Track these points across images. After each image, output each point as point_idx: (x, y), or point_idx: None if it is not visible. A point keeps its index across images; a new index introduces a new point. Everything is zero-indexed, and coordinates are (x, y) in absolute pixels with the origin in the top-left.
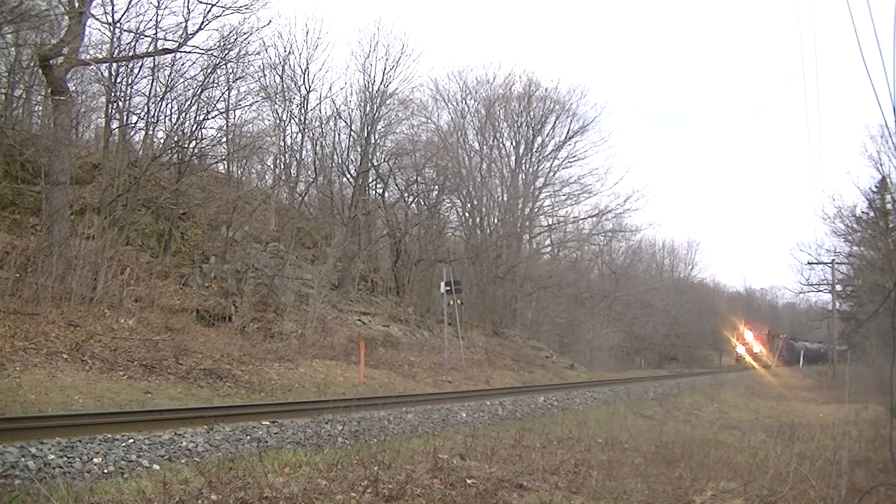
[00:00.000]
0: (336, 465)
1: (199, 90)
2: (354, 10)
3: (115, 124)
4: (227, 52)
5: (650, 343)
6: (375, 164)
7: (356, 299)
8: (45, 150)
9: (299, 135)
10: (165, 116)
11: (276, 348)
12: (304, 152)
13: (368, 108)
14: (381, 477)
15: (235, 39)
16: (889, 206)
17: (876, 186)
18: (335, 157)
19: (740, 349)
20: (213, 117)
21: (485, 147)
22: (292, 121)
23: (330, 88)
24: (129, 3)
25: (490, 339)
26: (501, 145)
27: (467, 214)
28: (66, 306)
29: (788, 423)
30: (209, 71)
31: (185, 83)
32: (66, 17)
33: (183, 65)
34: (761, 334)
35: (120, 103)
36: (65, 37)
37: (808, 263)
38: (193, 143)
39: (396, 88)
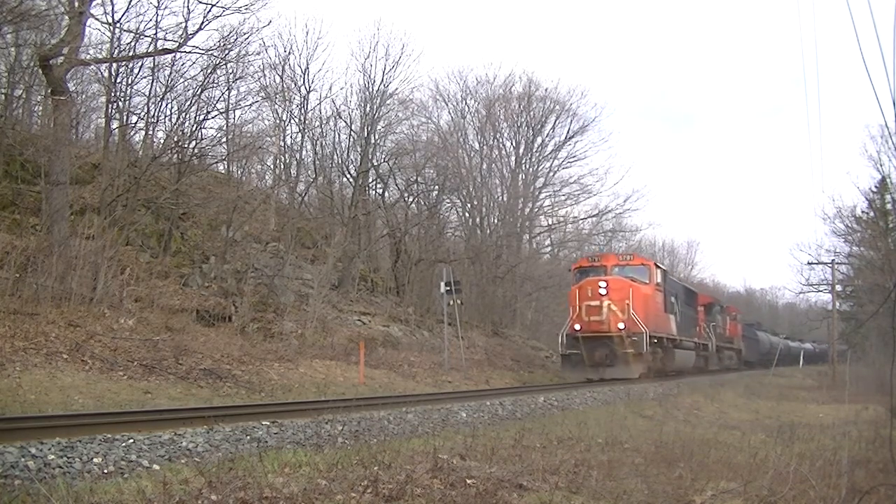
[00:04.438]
0: (336, 465)
1: (199, 90)
2: (354, 10)
3: (115, 124)
4: (227, 52)
5: None
6: (375, 164)
7: (356, 299)
8: (45, 150)
9: (299, 135)
10: (165, 116)
11: (276, 348)
12: (304, 152)
13: (368, 108)
14: (381, 477)
15: (235, 39)
16: (889, 206)
17: (876, 186)
18: (335, 157)
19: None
20: (213, 117)
21: (485, 147)
22: (292, 121)
23: (330, 88)
24: (129, 3)
25: (490, 339)
26: (501, 145)
27: (467, 214)
28: (66, 306)
29: (788, 423)
30: (209, 71)
31: (185, 83)
32: (66, 17)
33: (183, 65)
34: (637, 283)
35: (120, 103)
36: (65, 37)
37: (808, 263)
38: (193, 143)
39: (396, 88)
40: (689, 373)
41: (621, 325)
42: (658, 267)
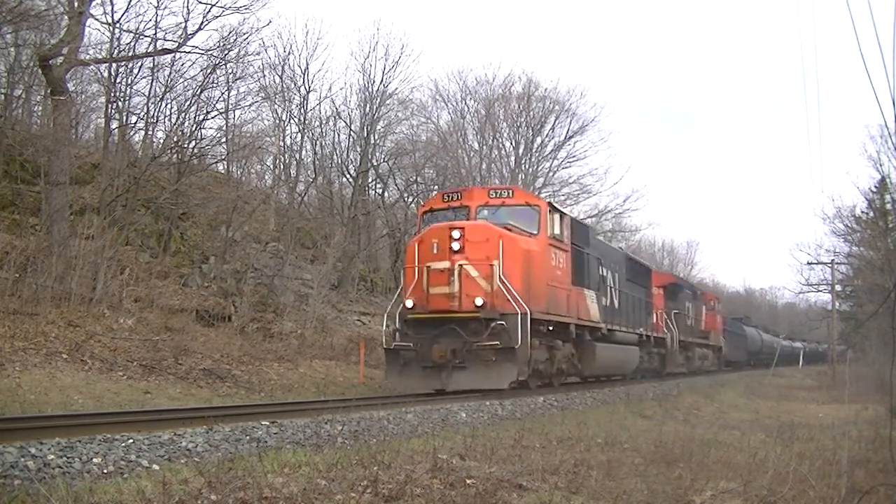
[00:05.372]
0: (336, 465)
1: (199, 90)
2: (354, 10)
3: (114, 124)
4: (226, 52)
5: None
6: (375, 164)
7: (356, 299)
8: (44, 150)
9: (299, 135)
10: (165, 116)
11: (275, 348)
12: (303, 152)
13: (368, 108)
14: (381, 477)
15: (235, 40)
16: (888, 206)
17: (875, 186)
18: (335, 157)
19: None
20: (212, 117)
21: (484, 147)
22: (292, 121)
23: (330, 88)
24: (129, 3)
25: None
26: (501, 145)
27: None
28: (65, 306)
29: (788, 423)
30: (209, 71)
31: (185, 83)
32: (66, 17)
33: (182, 65)
34: (516, 233)
35: (119, 103)
36: (64, 37)
37: (808, 263)
38: (193, 143)
39: (396, 88)
40: (632, 377)
41: (480, 301)
42: (558, 211)
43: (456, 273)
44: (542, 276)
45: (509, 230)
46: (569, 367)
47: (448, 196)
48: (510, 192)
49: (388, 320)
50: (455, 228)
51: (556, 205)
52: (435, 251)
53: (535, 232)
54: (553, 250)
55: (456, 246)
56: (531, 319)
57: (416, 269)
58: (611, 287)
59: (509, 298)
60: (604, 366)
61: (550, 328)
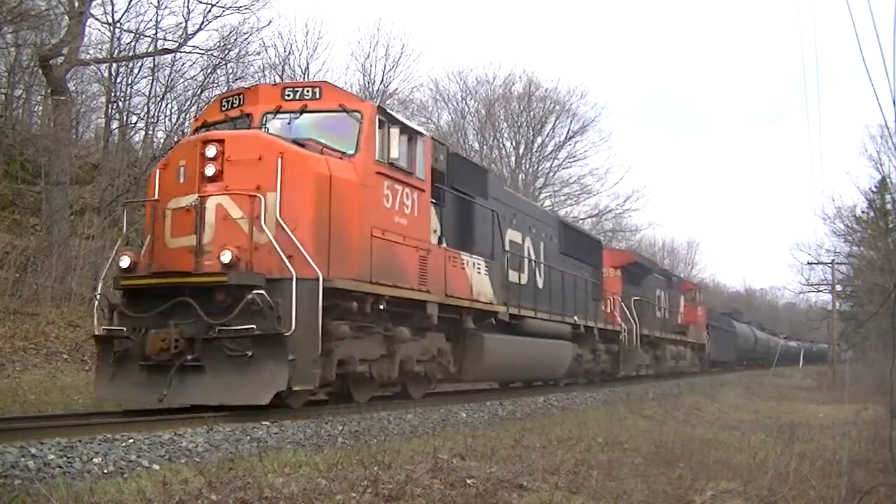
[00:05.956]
0: (336, 465)
1: (200, 90)
2: (354, 10)
3: (114, 124)
4: (227, 52)
5: None
6: None
7: None
8: (45, 150)
9: None
10: (165, 116)
11: None
12: None
13: None
14: (381, 477)
15: (235, 40)
16: (889, 206)
17: (876, 186)
18: None
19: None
20: None
21: (485, 147)
22: None
23: None
24: (129, 3)
25: None
26: (501, 145)
27: None
28: (66, 306)
29: (788, 424)
30: (209, 71)
31: (185, 83)
32: (66, 17)
33: (183, 65)
34: (312, 151)
35: (120, 103)
36: (65, 37)
37: (808, 263)
38: None
39: (396, 88)
40: (567, 382)
41: (227, 257)
42: (399, 123)
43: (207, 213)
44: (361, 220)
45: (302, 145)
46: (435, 370)
47: (227, 101)
48: (316, 90)
49: (102, 288)
50: (210, 142)
51: (396, 114)
52: (181, 180)
53: (352, 151)
54: (389, 183)
55: (210, 170)
56: (332, 289)
57: (154, 208)
58: (528, 258)
59: (285, 254)
60: (501, 367)
61: (382, 307)
